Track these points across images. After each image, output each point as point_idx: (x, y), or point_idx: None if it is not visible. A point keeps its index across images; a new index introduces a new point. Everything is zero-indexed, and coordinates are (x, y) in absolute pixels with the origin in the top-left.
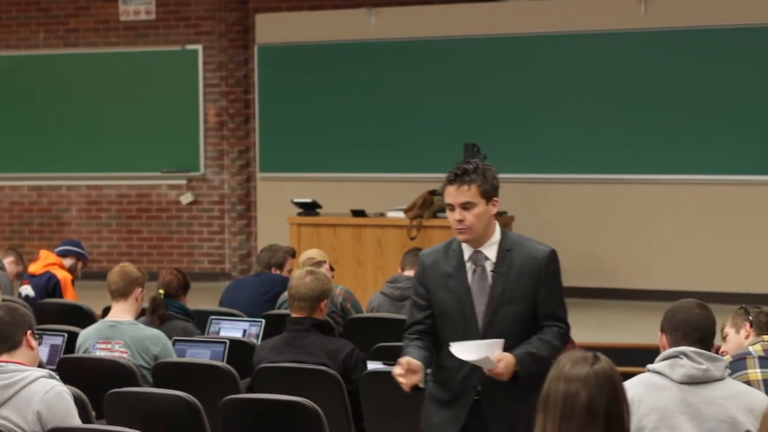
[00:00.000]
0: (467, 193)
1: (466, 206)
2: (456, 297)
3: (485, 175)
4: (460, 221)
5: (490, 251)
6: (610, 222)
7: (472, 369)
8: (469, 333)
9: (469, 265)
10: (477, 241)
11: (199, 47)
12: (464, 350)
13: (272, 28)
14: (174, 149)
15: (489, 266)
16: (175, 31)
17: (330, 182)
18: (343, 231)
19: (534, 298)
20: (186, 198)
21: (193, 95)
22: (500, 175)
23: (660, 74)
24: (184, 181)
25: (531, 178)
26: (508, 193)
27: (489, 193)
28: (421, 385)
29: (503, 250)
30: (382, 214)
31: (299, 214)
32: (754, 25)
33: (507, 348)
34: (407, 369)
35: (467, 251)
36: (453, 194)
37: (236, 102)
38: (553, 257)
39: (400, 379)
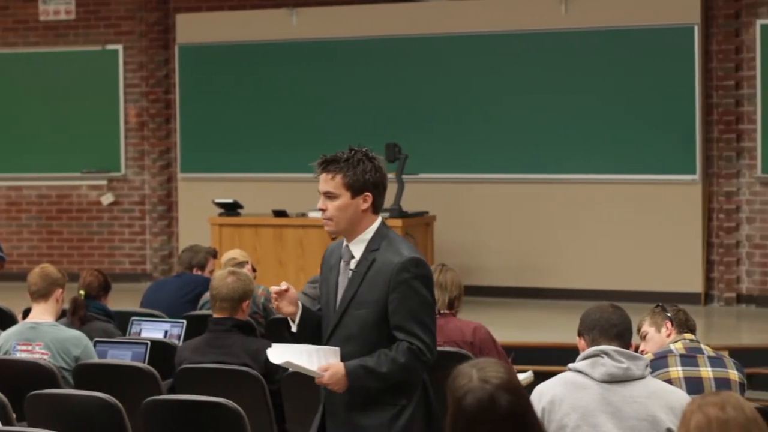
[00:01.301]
0: (330, 182)
1: (328, 195)
2: (327, 292)
3: (356, 167)
4: (322, 210)
5: (357, 248)
6: (531, 221)
7: None
8: (328, 332)
9: (342, 262)
10: (347, 236)
11: (119, 47)
12: (279, 354)
13: (193, 28)
14: (94, 150)
15: (353, 264)
16: (95, 31)
17: (251, 182)
18: (265, 231)
19: (385, 306)
20: (107, 199)
21: (113, 95)
22: (422, 175)
23: (580, 74)
24: (104, 182)
25: (453, 178)
26: (430, 193)
27: (356, 187)
28: (293, 328)
29: (369, 250)
30: (303, 215)
31: (220, 215)
32: (674, 25)
33: (357, 354)
34: (283, 290)
35: (343, 246)
36: (320, 182)
37: (157, 102)
38: (407, 266)
39: (274, 300)
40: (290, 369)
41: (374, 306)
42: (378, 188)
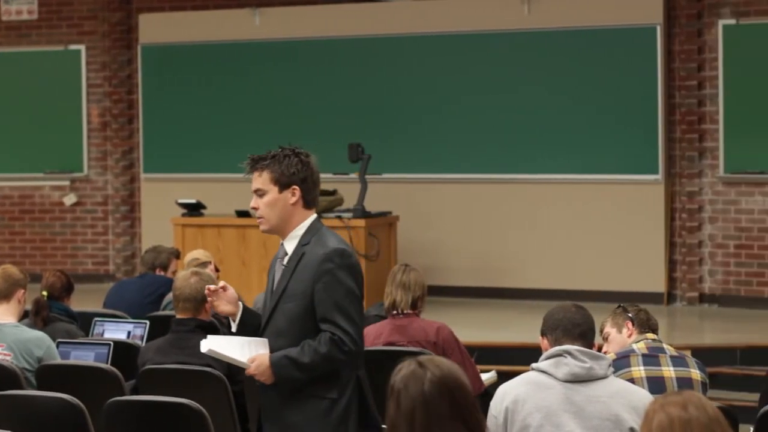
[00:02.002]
0: (258, 179)
1: (259, 193)
2: (267, 290)
3: (281, 162)
4: (254, 209)
5: (290, 245)
6: (494, 222)
7: None
8: (262, 327)
9: (278, 260)
10: (280, 233)
11: (82, 47)
12: (208, 343)
13: (156, 28)
14: (57, 150)
15: (285, 260)
16: (57, 31)
17: (214, 183)
18: (228, 232)
19: (312, 298)
20: (69, 199)
21: (76, 96)
22: (385, 175)
23: (543, 74)
24: (67, 182)
25: (416, 178)
26: (394, 193)
27: (282, 181)
28: (233, 328)
29: (300, 245)
30: None
31: (183, 215)
32: (637, 25)
33: (287, 347)
34: (217, 289)
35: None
36: (252, 182)
37: (120, 102)
38: (331, 257)
39: (209, 298)
40: (217, 358)
41: (301, 299)
42: (306, 182)
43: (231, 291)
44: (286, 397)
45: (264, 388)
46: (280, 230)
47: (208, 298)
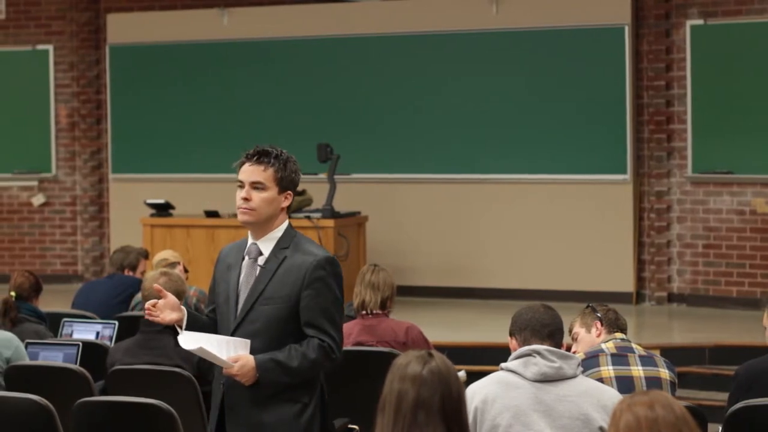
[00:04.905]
0: (262, 173)
1: (256, 186)
2: (226, 289)
3: (286, 164)
4: (246, 200)
5: (266, 246)
6: (464, 222)
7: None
8: (230, 327)
9: (246, 258)
10: (258, 231)
11: (50, 47)
12: (191, 341)
13: (124, 28)
14: (25, 150)
15: (261, 261)
16: (25, 31)
17: (183, 183)
18: (197, 232)
19: (296, 302)
20: (38, 200)
21: (44, 96)
22: (354, 175)
23: (512, 75)
24: (35, 183)
25: (385, 178)
26: (361, 194)
27: (284, 183)
28: (179, 331)
29: (279, 248)
30: (235, 215)
31: (152, 215)
32: (605, 26)
33: (262, 349)
34: (154, 304)
35: (249, 243)
36: (247, 171)
37: (88, 102)
38: (323, 264)
39: (150, 314)
40: (200, 356)
41: (284, 302)
42: (295, 190)
43: (171, 298)
44: (258, 399)
45: (231, 390)
46: (261, 228)
47: (147, 316)
